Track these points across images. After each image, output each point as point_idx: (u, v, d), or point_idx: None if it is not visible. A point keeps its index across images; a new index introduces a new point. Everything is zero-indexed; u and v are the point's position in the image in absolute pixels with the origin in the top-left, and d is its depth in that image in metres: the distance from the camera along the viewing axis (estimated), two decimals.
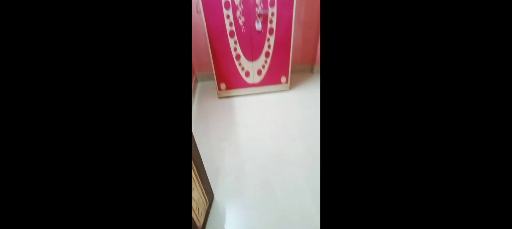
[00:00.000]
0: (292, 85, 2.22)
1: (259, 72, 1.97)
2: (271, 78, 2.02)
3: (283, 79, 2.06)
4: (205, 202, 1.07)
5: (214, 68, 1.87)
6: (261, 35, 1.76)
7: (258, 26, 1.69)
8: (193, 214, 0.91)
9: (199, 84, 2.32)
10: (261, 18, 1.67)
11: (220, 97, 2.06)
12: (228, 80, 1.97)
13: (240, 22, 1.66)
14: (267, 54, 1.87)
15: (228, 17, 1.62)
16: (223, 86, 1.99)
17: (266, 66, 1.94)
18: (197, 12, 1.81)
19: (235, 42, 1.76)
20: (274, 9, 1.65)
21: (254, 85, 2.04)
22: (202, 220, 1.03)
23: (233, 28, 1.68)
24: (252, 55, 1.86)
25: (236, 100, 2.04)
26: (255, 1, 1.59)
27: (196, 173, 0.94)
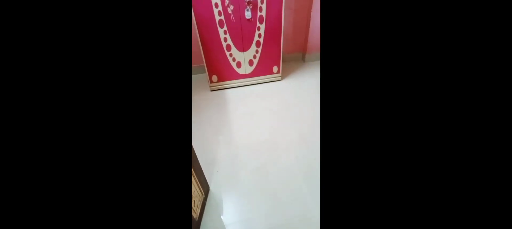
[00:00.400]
0: (284, 74, 2.21)
1: (251, 63, 1.95)
2: (263, 68, 2.00)
3: (275, 68, 2.04)
4: (200, 194, 1.07)
5: (205, 60, 1.82)
6: (251, 24, 1.72)
7: (248, 14, 1.65)
8: None
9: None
10: (251, 5, 1.63)
11: (212, 90, 2.03)
12: (220, 71, 1.93)
13: (229, 10, 1.62)
14: (258, 44, 1.84)
15: (216, 5, 1.57)
16: (214, 78, 1.96)
17: (258, 56, 1.91)
18: None
19: (225, 32, 1.72)
20: None
21: (246, 76, 2.01)
22: (198, 212, 1.03)
23: (222, 17, 1.64)
24: (242, 45, 1.83)
25: (229, 91, 2.01)
26: None
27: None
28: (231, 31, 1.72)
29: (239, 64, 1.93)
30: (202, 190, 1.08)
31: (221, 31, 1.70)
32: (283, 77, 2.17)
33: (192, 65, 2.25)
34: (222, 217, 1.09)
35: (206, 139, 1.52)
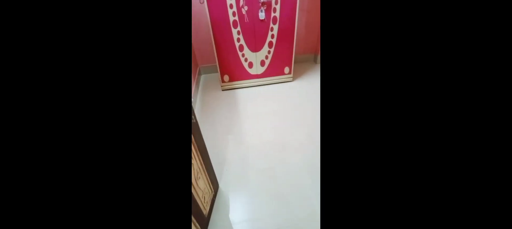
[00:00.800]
0: (295, 75, 2.20)
1: (262, 63, 1.95)
2: (274, 68, 2.01)
3: (286, 69, 2.04)
4: (210, 191, 1.09)
5: (217, 60, 1.85)
6: (265, 24, 1.73)
7: (262, 15, 1.66)
8: (199, 203, 0.93)
9: (203, 77, 2.32)
10: (265, 6, 1.63)
11: (223, 89, 2.05)
12: (232, 71, 1.96)
13: (243, 11, 1.63)
14: (270, 44, 1.85)
15: (231, 6, 1.60)
16: (226, 78, 1.98)
17: (270, 56, 1.92)
18: (200, 2, 1.79)
19: (238, 33, 1.74)
20: None
21: (257, 76, 2.03)
22: (207, 209, 1.05)
23: (237, 18, 1.66)
24: (255, 46, 1.84)
25: (240, 91, 2.04)
26: None
27: (202, 163, 0.95)
28: (245, 31, 1.74)
29: (251, 65, 1.94)
30: (212, 187, 1.10)
31: (234, 31, 1.72)
32: (294, 78, 2.16)
33: (205, 65, 2.29)
34: (230, 215, 1.11)
35: (216, 139, 1.55)
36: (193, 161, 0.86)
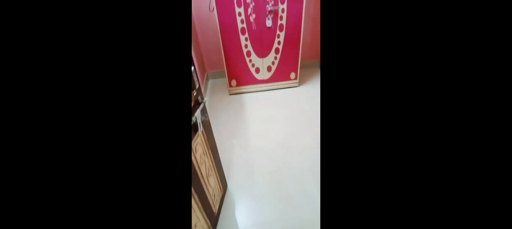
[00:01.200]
0: (301, 80, 2.24)
1: (269, 69, 2.01)
2: (281, 74, 2.05)
3: (292, 75, 2.08)
4: (220, 190, 1.12)
5: (225, 65, 1.92)
6: (271, 31, 1.79)
7: (269, 22, 1.72)
8: (210, 200, 0.96)
9: (210, 81, 2.38)
10: (272, 14, 1.70)
11: (231, 94, 2.11)
12: (239, 76, 2.01)
13: (251, 19, 1.70)
14: (277, 50, 1.91)
15: (239, 14, 1.67)
16: (233, 82, 2.04)
17: (276, 62, 1.97)
18: (210, 10, 1.87)
19: (246, 39, 1.80)
20: (284, 5, 1.68)
21: (264, 81, 2.08)
22: (217, 207, 1.08)
23: (245, 25, 1.73)
24: (262, 52, 1.90)
25: (246, 96, 2.08)
26: None
27: (213, 160, 0.99)
28: (252, 38, 1.81)
29: (257, 70, 2.00)
30: (221, 186, 1.13)
31: (242, 38, 1.79)
32: (300, 83, 2.20)
33: (212, 70, 2.36)
34: (237, 217, 1.13)
35: (223, 141, 1.58)
36: (205, 158, 0.89)
